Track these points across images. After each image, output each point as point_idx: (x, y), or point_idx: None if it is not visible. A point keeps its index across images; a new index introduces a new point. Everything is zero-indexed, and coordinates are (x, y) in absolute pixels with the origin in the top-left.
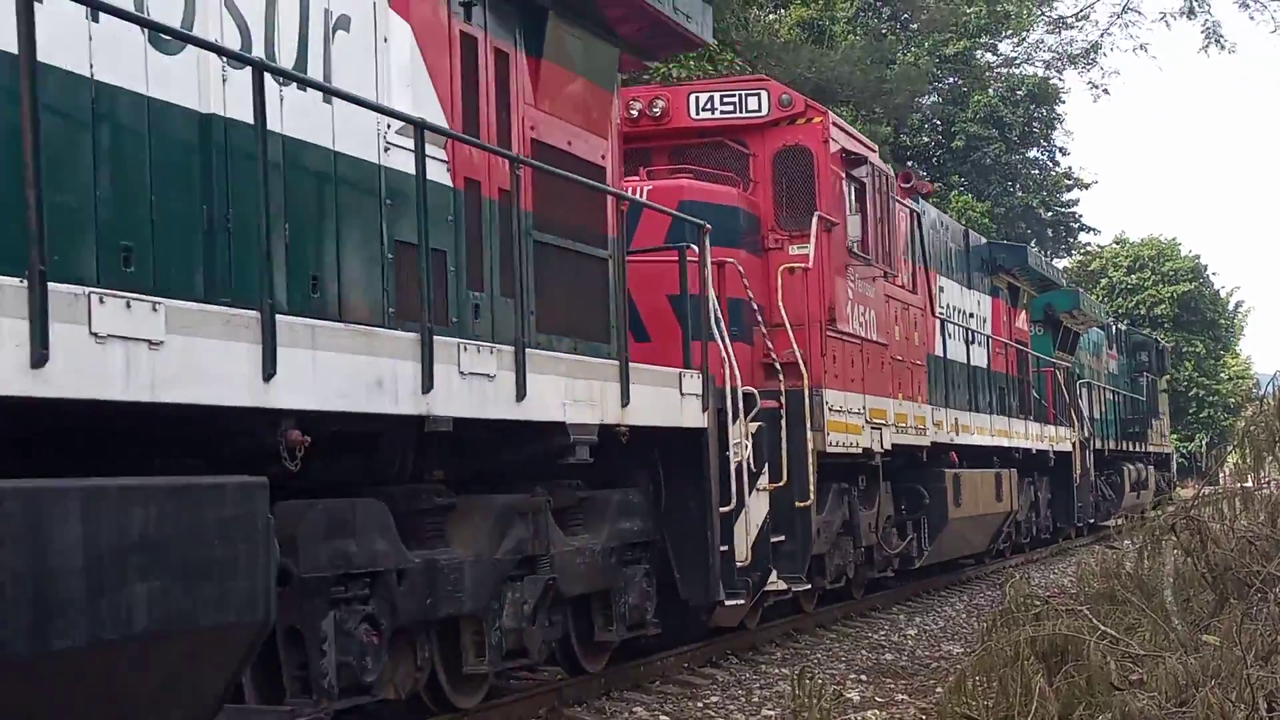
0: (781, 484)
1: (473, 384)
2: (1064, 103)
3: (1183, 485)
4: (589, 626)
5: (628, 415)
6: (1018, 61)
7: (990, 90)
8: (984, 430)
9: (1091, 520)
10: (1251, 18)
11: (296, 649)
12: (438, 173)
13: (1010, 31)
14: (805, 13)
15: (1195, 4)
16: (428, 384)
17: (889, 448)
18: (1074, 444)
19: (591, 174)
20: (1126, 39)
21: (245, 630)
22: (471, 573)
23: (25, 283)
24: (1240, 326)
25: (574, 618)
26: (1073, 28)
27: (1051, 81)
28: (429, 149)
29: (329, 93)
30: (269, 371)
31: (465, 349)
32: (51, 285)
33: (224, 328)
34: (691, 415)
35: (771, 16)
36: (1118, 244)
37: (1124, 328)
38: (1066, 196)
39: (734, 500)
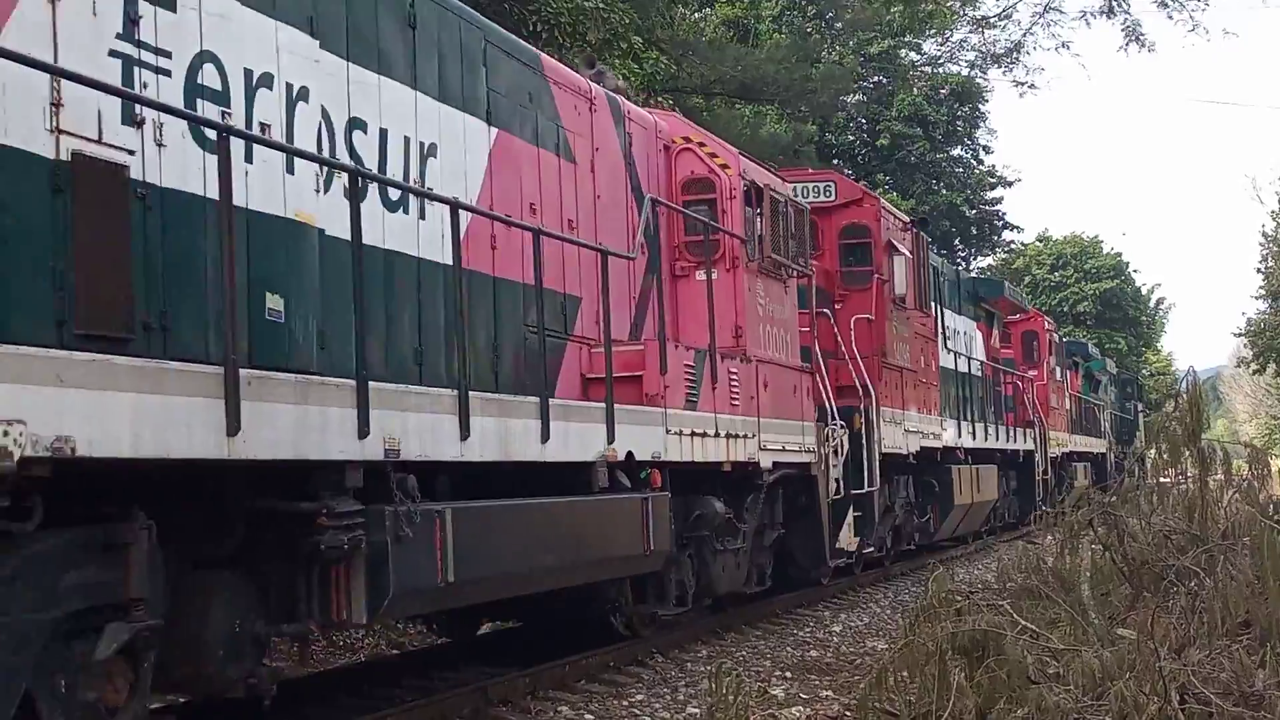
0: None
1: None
2: (987, 101)
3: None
4: None
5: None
6: (942, 61)
7: (915, 89)
8: (1074, 444)
9: None
10: (1170, 17)
11: None
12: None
13: (934, 31)
14: (731, 11)
15: (1115, 3)
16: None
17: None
18: (1107, 447)
19: (992, 358)
20: (1049, 38)
21: None
22: None
23: None
24: (1161, 323)
25: None
26: (995, 27)
27: (975, 80)
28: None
29: None
30: None
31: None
32: None
33: None
34: None
35: (697, 15)
36: (1041, 242)
37: (1116, 370)
38: (990, 194)
39: None
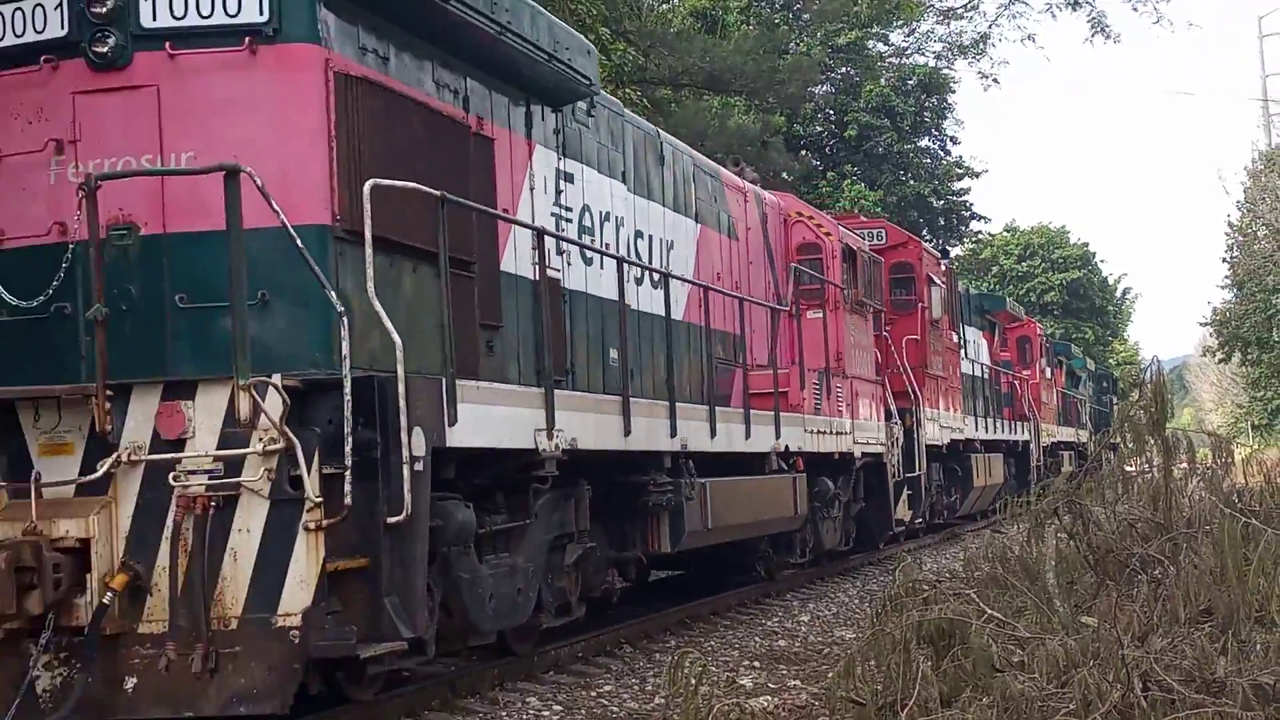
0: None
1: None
2: (954, 92)
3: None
4: None
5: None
6: (909, 52)
7: (882, 80)
8: (1060, 435)
9: None
10: (1135, 9)
11: None
12: (986, 374)
13: (901, 22)
14: (698, 3)
15: None
16: None
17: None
18: (1087, 437)
19: (994, 361)
20: (1014, 30)
21: None
22: None
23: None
24: (1128, 313)
25: None
26: (962, 19)
27: (942, 71)
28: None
29: None
30: None
31: None
32: None
33: None
34: None
35: (665, 6)
36: (1008, 232)
37: (1094, 367)
38: (958, 185)
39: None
